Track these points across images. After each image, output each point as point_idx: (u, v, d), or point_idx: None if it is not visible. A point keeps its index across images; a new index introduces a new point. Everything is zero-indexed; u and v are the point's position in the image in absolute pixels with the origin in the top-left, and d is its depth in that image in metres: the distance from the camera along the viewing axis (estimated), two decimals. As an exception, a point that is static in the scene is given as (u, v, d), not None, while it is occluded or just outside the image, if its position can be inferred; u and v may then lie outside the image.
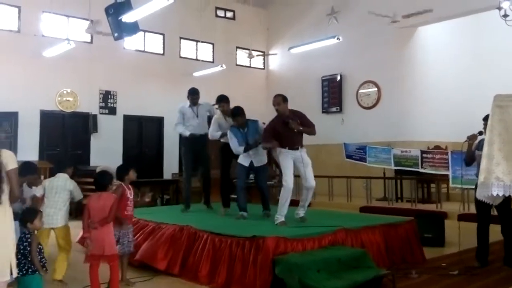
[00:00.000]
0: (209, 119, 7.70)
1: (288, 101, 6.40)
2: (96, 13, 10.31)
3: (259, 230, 5.47)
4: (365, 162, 11.94)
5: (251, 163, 6.81)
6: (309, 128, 6.38)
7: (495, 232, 6.17)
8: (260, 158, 6.85)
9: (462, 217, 9.33)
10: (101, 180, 4.79)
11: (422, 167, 10.84)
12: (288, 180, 6.22)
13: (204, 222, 6.29)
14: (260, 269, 4.81)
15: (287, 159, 6.28)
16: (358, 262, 5.12)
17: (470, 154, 6.06)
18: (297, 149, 6.25)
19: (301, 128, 6.25)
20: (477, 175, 5.92)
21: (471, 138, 6.02)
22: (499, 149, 3.98)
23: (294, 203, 6.50)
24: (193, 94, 7.78)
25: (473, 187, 6.03)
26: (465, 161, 6.24)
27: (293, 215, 6.41)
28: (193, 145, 7.72)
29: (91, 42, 12.98)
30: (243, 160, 6.82)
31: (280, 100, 6.34)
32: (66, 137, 12.73)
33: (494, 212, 6.03)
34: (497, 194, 3.90)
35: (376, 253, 5.74)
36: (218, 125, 7.35)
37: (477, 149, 5.83)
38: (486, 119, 5.62)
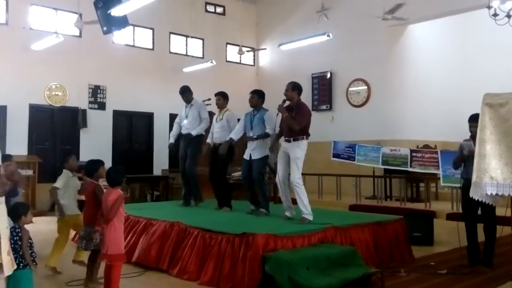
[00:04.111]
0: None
1: (301, 91, 6.51)
2: (85, 6, 10.21)
3: (249, 227, 5.48)
4: (354, 160, 11.50)
5: (250, 156, 6.84)
6: (292, 120, 6.16)
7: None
8: (257, 151, 6.83)
9: (451, 217, 9.41)
10: (113, 176, 4.54)
11: (411, 166, 10.63)
12: (276, 176, 6.25)
13: (194, 218, 6.27)
14: (249, 266, 4.82)
15: (279, 153, 6.36)
16: (347, 260, 5.15)
17: (460, 159, 6.04)
18: (289, 141, 6.22)
19: (286, 114, 6.19)
20: (462, 175, 5.97)
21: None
22: (491, 148, 3.98)
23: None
24: (181, 93, 8.03)
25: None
26: (454, 165, 6.28)
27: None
28: (182, 144, 7.98)
29: (80, 36, 12.84)
30: (245, 154, 6.94)
31: (289, 87, 6.43)
32: (55, 132, 12.60)
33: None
34: (491, 193, 3.90)
35: (365, 251, 5.77)
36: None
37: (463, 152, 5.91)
38: (471, 120, 5.65)
